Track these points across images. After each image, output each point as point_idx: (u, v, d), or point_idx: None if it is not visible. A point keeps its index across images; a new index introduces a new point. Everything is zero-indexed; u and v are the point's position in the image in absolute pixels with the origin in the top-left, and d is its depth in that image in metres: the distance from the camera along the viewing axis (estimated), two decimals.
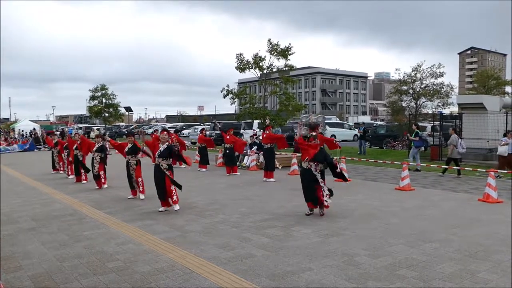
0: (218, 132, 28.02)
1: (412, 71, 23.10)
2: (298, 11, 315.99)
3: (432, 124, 20.95)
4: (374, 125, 36.26)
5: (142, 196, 9.29)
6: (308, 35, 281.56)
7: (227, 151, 13.91)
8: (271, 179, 12.01)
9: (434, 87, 22.88)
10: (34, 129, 39.49)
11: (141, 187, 9.33)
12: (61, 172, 14.32)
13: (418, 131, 14.33)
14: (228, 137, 13.95)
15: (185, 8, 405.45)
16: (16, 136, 35.23)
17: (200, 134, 16.28)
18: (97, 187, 10.94)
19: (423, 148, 14.25)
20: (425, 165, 13.08)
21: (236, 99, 22.83)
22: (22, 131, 38.91)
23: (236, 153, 14.62)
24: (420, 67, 22.90)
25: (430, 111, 23.71)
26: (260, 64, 21.11)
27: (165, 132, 8.51)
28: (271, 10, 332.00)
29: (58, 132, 40.03)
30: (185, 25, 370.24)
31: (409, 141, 15.46)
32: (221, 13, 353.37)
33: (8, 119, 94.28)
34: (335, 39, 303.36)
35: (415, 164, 13.89)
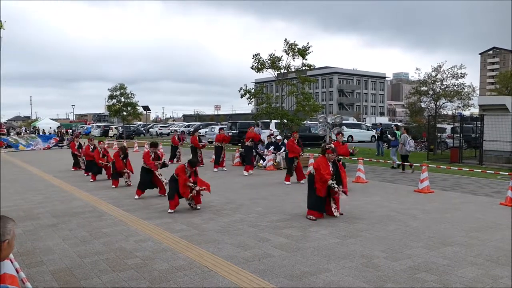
0: (235, 131, 28.23)
1: (432, 71, 22.62)
2: (323, 13, 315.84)
3: (452, 126, 20.56)
4: (392, 126, 35.77)
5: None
6: (331, 36, 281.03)
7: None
8: (302, 181, 11.29)
9: (455, 88, 22.36)
10: (59, 126, 40.52)
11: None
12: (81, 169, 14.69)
13: (396, 132, 16.31)
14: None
15: (211, 10, 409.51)
16: (51, 133, 36.13)
17: (218, 134, 16.27)
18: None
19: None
20: (445, 167, 12.84)
21: (253, 99, 22.80)
22: (59, 127, 39.84)
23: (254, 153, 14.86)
24: (441, 67, 22.43)
25: (450, 113, 23.19)
26: (278, 64, 20.96)
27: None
28: (294, 11, 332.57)
29: (71, 130, 40.87)
30: (210, 26, 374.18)
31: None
32: (245, 15, 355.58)
33: (29, 117, 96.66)
34: (357, 40, 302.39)
35: (392, 162, 15.42)
